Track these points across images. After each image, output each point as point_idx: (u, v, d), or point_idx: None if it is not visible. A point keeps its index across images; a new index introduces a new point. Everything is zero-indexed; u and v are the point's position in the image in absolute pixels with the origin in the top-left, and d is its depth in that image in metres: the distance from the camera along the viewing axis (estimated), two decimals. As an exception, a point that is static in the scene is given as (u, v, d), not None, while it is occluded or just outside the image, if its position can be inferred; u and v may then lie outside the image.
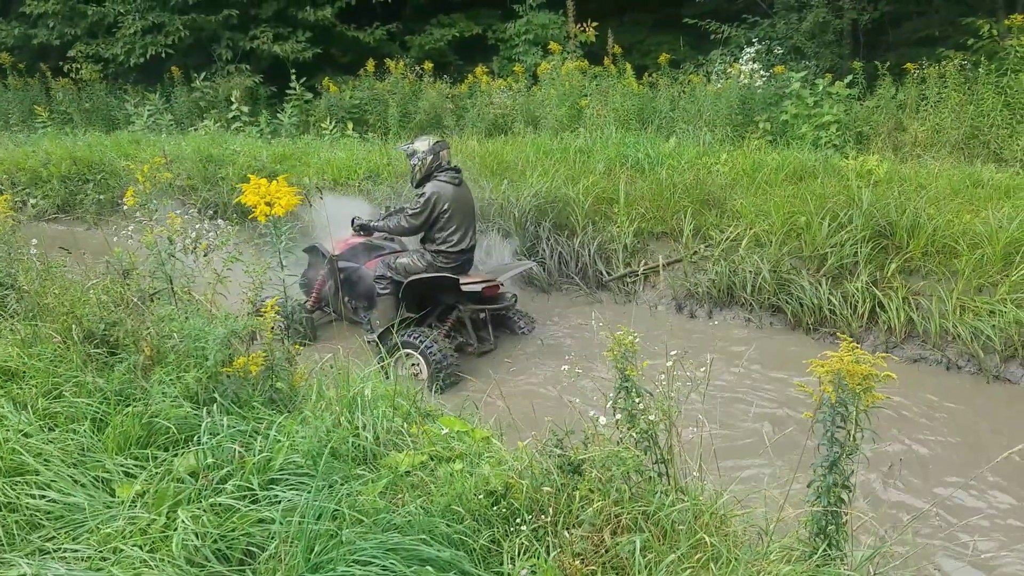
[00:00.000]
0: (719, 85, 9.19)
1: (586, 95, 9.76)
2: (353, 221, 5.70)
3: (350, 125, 10.61)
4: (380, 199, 7.71)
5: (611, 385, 2.36)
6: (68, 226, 9.24)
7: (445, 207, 5.27)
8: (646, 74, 10.09)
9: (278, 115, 11.35)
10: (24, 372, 3.19)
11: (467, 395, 3.55)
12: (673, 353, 2.25)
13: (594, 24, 10.96)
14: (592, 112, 9.37)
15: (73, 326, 3.08)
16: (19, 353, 3.24)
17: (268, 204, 3.12)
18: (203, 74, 12.08)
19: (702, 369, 2.34)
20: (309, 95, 11.61)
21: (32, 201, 9.32)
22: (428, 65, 11.37)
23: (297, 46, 12.09)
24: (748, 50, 9.66)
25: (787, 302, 5.75)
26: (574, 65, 10.21)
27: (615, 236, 6.66)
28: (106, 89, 12.90)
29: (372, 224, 5.63)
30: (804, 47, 10.32)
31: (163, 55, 12.07)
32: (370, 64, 11.59)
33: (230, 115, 11.30)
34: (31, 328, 3.33)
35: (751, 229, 6.19)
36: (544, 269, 6.69)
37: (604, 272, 6.59)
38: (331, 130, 10.35)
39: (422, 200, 5.25)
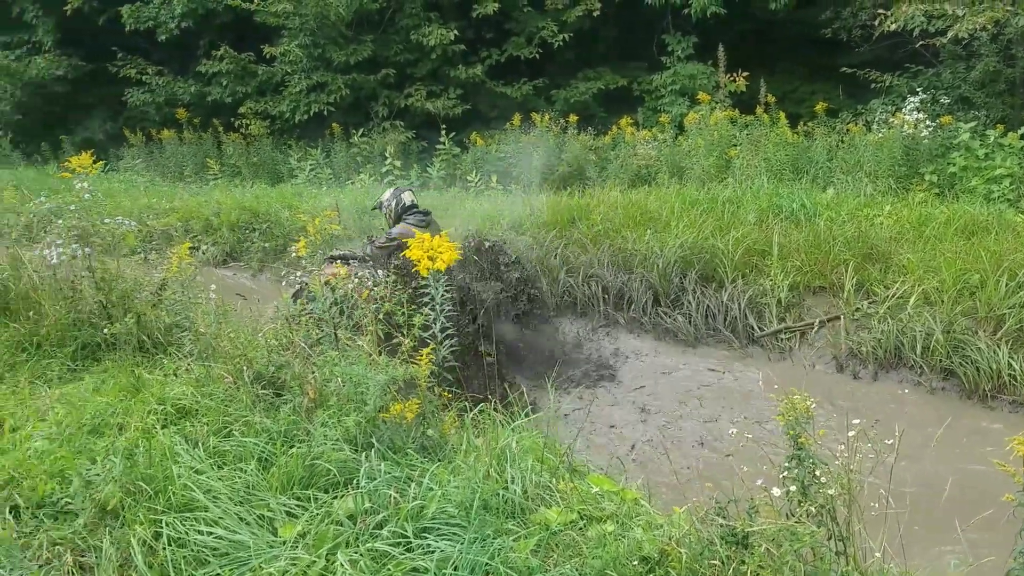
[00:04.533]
0: (880, 135, 8.75)
1: (736, 145, 9.54)
2: (332, 252, 6.01)
3: (495, 178, 10.86)
4: (523, 247, 7.79)
5: (767, 443, 2.21)
6: (235, 271, 9.90)
7: None
8: (801, 123, 9.75)
9: (428, 168, 11.80)
10: (197, 410, 3.39)
11: (612, 451, 3.46)
12: (856, 422, 2.08)
13: (744, 74, 10.77)
14: (742, 162, 9.15)
15: (244, 368, 3.25)
16: (193, 392, 3.45)
17: (431, 258, 3.19)
18: (361, 130, 12.75)
19: (888, 441, 2.15)
20: (457, 149, 12.01)
21: (203, 248, 10.06)
22: (573, 118, 11.52)
23: (448, 103, 12.59)
24: (912, 100, 9.17)
25: (961, 365, 5.29)
26: (723, 115, 10.03)
27: (768, 289, 6.40)
28: (272, 144, 13.82)
29: (344, 255, 5.96)
30: (973, 97, 9.70)
31: (325, 112, 12.85)
32: (516, 119, 11.88)
33: (384, 169, 11.85)
34: (204, 368, 3.54)
35: (919, 286, 5.78)
36: (690, 322, 6.49)
37: (756, 327, 6.32)
38: (476, 182, 10.63)
39: (389, 239, 5.66)
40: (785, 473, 2.14)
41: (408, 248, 5.35)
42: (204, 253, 10.00)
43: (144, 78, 14.93)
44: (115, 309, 4.43)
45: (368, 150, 12.64)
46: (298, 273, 6.33)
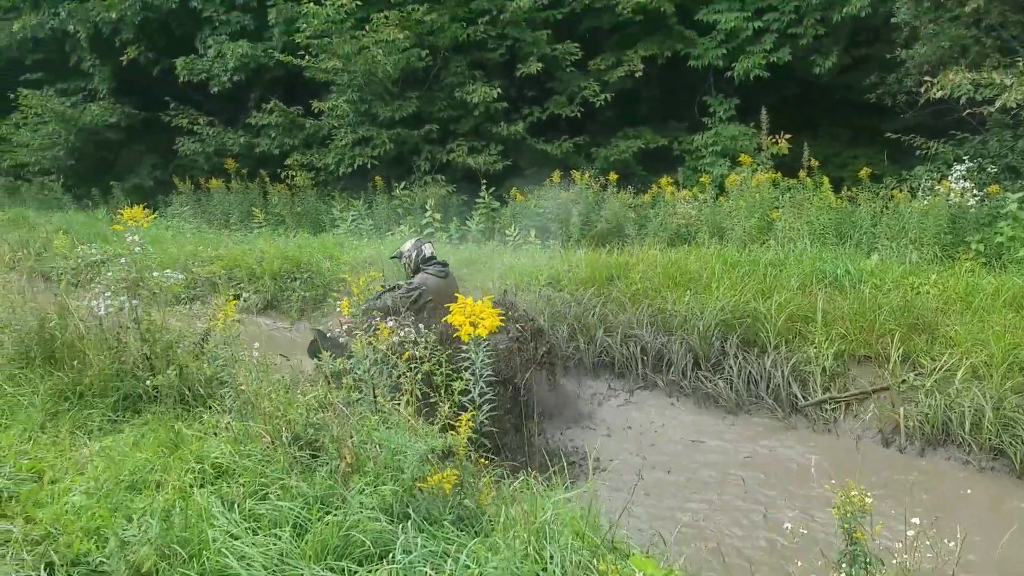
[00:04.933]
0: (926, 202, 8.63)
1: (778, 207, 9.48)
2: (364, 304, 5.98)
3: (533, 232, 10.89)
4: (560, 304, 7.76)
5: (816, 523, 2.11)
6: (275, 319, 10.00)
7: (429, 298, 5.77)
8: (844, 187, 9.68)
9: (467, 221, 11.89)
10: (234, 470, 3.37)
11: (654, 531, 3.36)
12: (915, 521, 1.98)
13: (787, 136, 10.76)
14: (784, 224, 9.07)
15: (283, 428, 3.23)
16: (231, 451, 3.44)
17: (472, 324, 3.17)
18: (403, 183, 12.93)
19: (950, 543, 2.04)
20: (497, 203, 12.10)
21: (245, 295, 10.19)
22: (613, 176, 11.57)
23: (489, 158, 12.73)
24: (958, 167, 9.06)
25: (1012, 445, 5.10)
26: (765, 176, 9.99)
27: (812, 357, 6.26)
28: (316, 195, 14.04)
29: (363, 305, 5.78)
30: (1020, 167, 9.56)
31: (369, 165, 13.06)
32: (556, 175, 11.97)
33: (424, 221, 11.97)
34: (243, 427, 3.53)
35: (967, 359, 5.62)
36: (731, 388, 6.36)
37: (799, 396, 6.17)
38: (515, 236, 10.67)
39: (410, 289, 5.79)
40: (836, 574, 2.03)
41: (427, 299, 5.76)
42: (246, 301, 10.11)
43: (195, 128, 15.37)
44: (158, 360, 4.47)
45: (409, 202, 12.79)
46: (310, 324, 6.44)
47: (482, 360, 3.36)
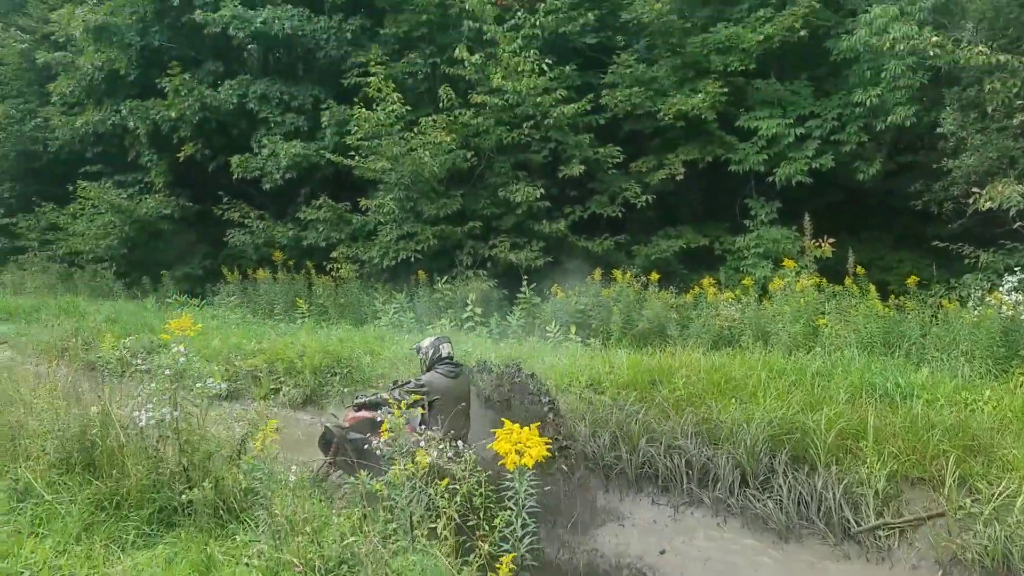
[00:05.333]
0: (977, 313, 8.41)
1: (823, 313, 9.32)
2: (356, 397, 6.54)
3: (573, 329, 10.84)
4: (601, 409, 7.62)
5: None
6: (313, 415, 9.97)
7: (436, 397, 6.02)
8: (891, 296, 9.50)
9: (508, 316, 11.90)
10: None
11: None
12: None
13: (830, 240, 10.69)
14: (830, 331, 8.89)
15: (316, 560, 3.15)
16: (263, 581, 3.36)
17: (518, 452, 3.09)
18: (445, 277, 13.05)
19: None
20: (537, 299, 12.11)
21: (285, 389, 10.21)
22: (654, 276, 11.55)
23: (531, 254, 12.84)
24: (1009, 278, 8.87)
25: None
26: (809, 281, 9.88)
27: (864, 478, 6.00)
28: (359, 287, 14.20)
29: (368, 401, 6.31)
30: (1074, 279, 9.35)
31: (412, 259, 13.25)
32: (597, 273, 11.99)
33: (465, 315, 12.00)
34: (275, 553, 3.45)
35: (1027, 485, 5.34)
36: (781, 509, 6.09)
37: (852, 520, 5.88)
38: (555, 332, 10.62)
39: (418, 385, 6.02)
40: None
41: (434, 398, 5.93)
42: (285, 395, 10.14)
43: (246, 221, 15.81)
44: (195, 471, 4.45)
45: (451, 296, 12.86)
46: (322, 419, 6.56)
47: (525, 490, 3.26)
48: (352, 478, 6.26)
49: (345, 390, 9.85)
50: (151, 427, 4.39)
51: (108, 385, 5.32)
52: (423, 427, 5.76)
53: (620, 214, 13.23)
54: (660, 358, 8.67)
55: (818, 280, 10.03)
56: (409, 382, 6.20)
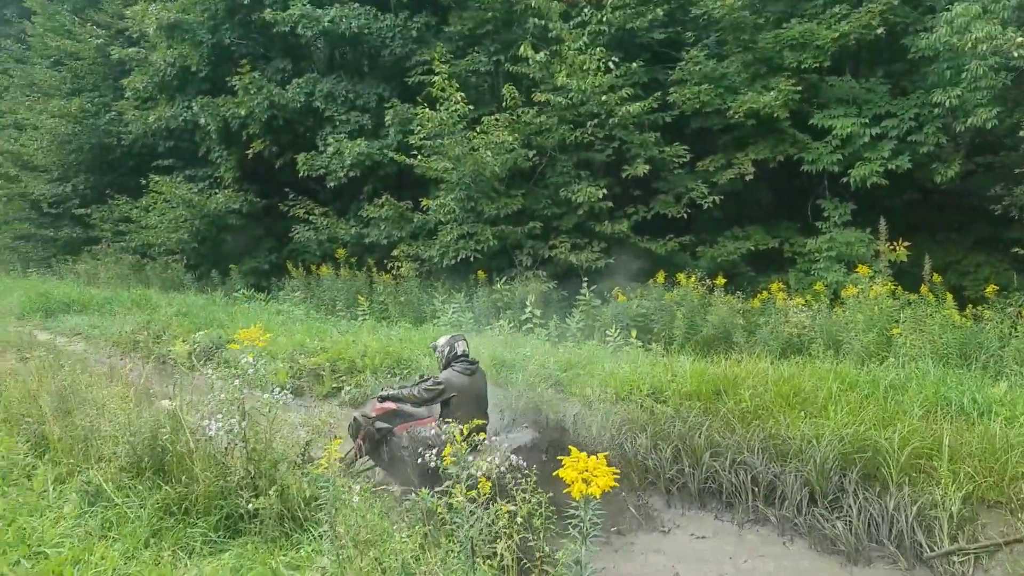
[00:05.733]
0: (1061, 326, 8.00)
1: (897, 322, 8.98)
2: (382, 390, 6.96)
3: (634, 333, 10.68)
4: (664, 420, 7.48)
5: None
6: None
7: (453, 393, 6.37)
8: (968, 305, 9.10)
9: (567, 319, 11.80)
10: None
11: None
12: None
13: (905, 244, 10.30)
14: (905, 341, 8.56)
15: (379, 580, 3.13)
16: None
17: (585, 481, 3.02)
18: (504, 277, 13.02)
19: None
20: (598, 301, 11.96)
21: (346, 388, 10.32)
22: (720, 280, 11.30)
23: (592, 255, 12.69)
24: (1097, 289, 8.42)
25: None
26: (883, 288, 9.52)
27: (938, 500, 5.74)
28: (419, 285, 14.28)
29: (392, 395, 6.68)
30: None
31: (472, 259, 13.25)
32: (660, 275, 11.79)
33: (523, 316, 11.94)
34: (338, 571, 3.45)
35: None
36: (851, 531, 5.88)
37: (925, 545, 5.64)
38: (615, 336, 10.48)
39: (435, 383, 6.39)
40: None
41: (451, 395, 6.31)
42: (346, 394, 10.24)
43: (311, 218, 16.07)
44: (262, 480, 4.50)
45: (509, 297, 12.82)
46: (356, 413, 7.11)
47: (591, 519, 3.18)
48: (377, 467, 6.85)
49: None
50: (220, 436, 4.46)
51: (179, 387, 5.43)
52: (442, 420, 6.18)
53: (685, 214, 12.97)
54: (725, 366, 8.46)
55: (893, 287, 9.67)
56: (430, 379, 6.52)
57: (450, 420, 5.75)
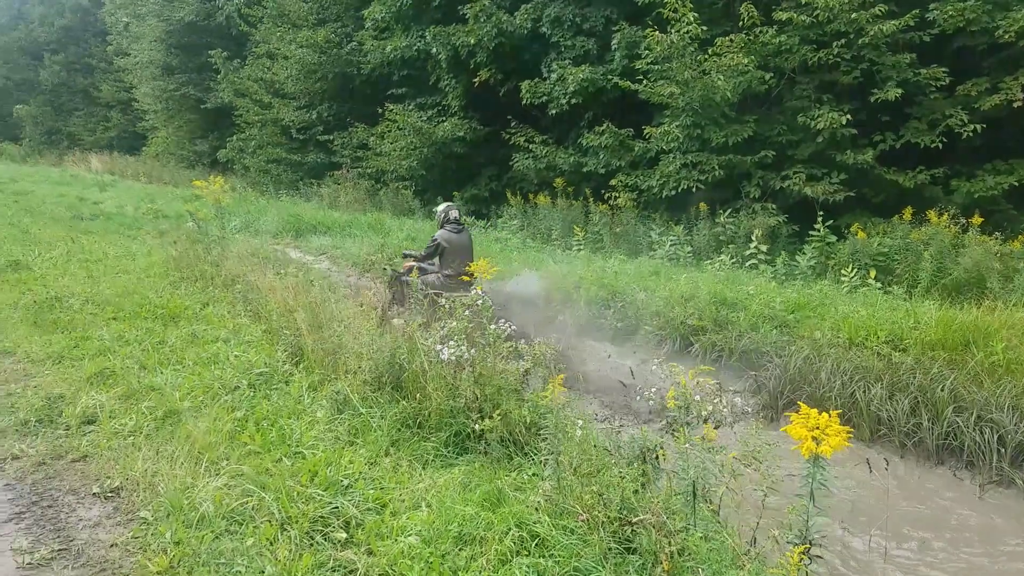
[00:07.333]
0: None
1: None
2: (405, 252, 9.66)
3: (873, 273, 9.87)
4: (902, 370, 6.89)
5: None
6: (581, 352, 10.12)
7: (445, 246, 8.76)
8: None
9: (796, 256, 11.12)
10: (550, 542, 3.41)
11: None
12: None
13: None
14: None
15: (600, 514, 3.19)
16: (549, 522, 3.49)
17: (815, 440, 2.85)
18: (728, 209, 12.47)
19: None
20: (833, 238, 11.15)
21: (560, 318, 10.46)
22: (976, 219, 10.07)
23: (829, 187, 11.73)
24: None
25: None
26: None
27: None
28: (636, 216, 14.06)
29: (411, 253, 9.38)
30: None
31: (693, 189, 12.78)
32: (907, 211, 10.73)
33: (747, 252, 11.42)
34: (560, 498, 3.55)
35: None
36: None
37: None
38: (851, 276, 9.75)
39: (432, 241, 8.87)
40: None
41: (444, 248, 8.77)
42: (560, 323, 10.39)
43: (531, 146, 16.25)
44: (486, 404, 4.72)
45: (733, 230, 12.29)
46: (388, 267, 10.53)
47: (818, 480, 3.01)
48: (402, 307, 8.49)
49: (619, 324, 9.76)
50: (451, 359, 4.72)
51: (410, 309, 5.78)
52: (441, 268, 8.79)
53: (940, 144, 11.56)
54: (977, 315, 7.60)
55: None
56: (431, 242, 8.87)
57: (447, 269, 8.67)
